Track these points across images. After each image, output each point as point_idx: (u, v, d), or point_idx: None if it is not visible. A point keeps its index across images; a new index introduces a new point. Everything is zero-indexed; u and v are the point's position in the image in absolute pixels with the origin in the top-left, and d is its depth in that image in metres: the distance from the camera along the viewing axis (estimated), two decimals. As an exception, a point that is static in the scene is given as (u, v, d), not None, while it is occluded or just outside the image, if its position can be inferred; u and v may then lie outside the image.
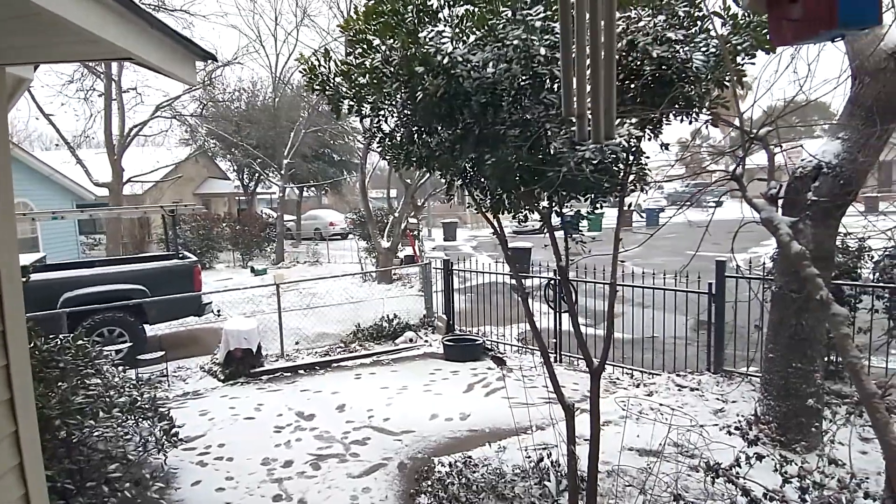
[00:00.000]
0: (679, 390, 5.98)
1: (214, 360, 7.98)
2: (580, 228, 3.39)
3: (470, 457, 4.77)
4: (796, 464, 2.96)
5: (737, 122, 2.37)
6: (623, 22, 2.97)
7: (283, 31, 22.64)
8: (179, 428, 4.74)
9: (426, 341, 9.03)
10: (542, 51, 2.69)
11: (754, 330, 5.69)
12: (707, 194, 3.02)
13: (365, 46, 3.33)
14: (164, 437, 4.56)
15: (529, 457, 4.30)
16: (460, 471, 4.37)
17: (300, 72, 3.87)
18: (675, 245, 13.48)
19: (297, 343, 9.01)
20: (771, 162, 1.90)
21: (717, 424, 4.78)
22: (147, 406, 4.58)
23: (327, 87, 3.89)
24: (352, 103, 3.85)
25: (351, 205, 27.06)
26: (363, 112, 3.91)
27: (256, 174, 25.68)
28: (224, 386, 7.39)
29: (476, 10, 3.03)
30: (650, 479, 3.91)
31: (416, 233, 17.09)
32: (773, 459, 2.92)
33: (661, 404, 5.61)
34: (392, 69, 3.15)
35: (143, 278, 8.72)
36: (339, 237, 27.45)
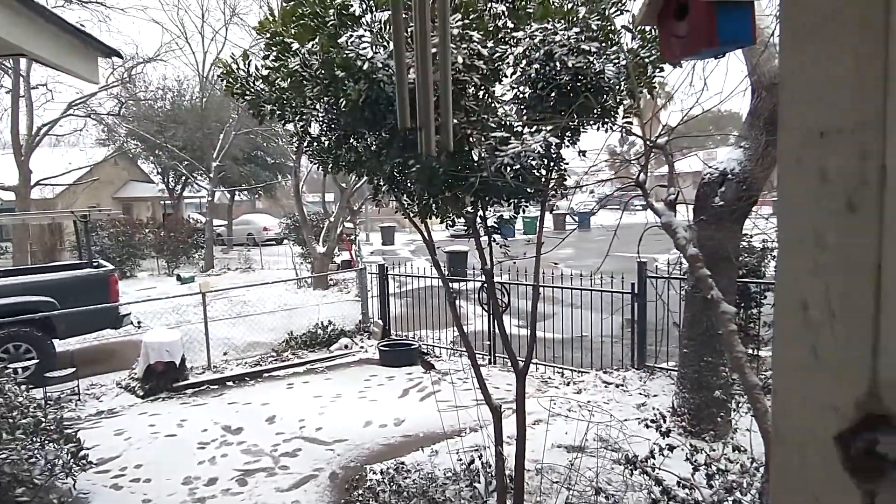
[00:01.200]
0: (605, 387, 6.23)
1: (133, 375, 7.51)
2: (503, 232, 3.46)
3: (403, 463, 4.75)
4: (705, 452, 3.16)
5: (655, 131, 2.51)
6: (540, 33, 3.06)
7: (210, 29, 21.73)
8: (89, 450, 4.43)
9: (362, 347, 8.92)
10: (460, 59, 2.73)
11: (673, 327, 6.02)
12: (621, 199, 3.16)
13: (282, 49, 3.26)
14: (72, 459, 4.24)
15: (461, 459, 4.33)
16: (392, 477, 4.34)
17: (218, 76, 3.74)
18: (604, 247, 14.07)
19: (225, 354, 8.65)
20: (671, 169, 2.02)
21: (638, 418, 5.01)
22: (52, 427, 4.25)
23: (247, 92, 3.77)
24: (274, 108, 3.76)
25: (286, 209, 26.33)
26: (286, 117, 3.82)
27: (183, 177, 24.48)
28: (143, 402, 6.97)
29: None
30: (576, 474, 4.05)
31: (352, 237, 16.87)
32: (683, 449, 3.10)
33: (588, 401, 5.82)
34: (311, 73, 3.10)
35: (51, 289, 8.09)
36: (273, 242, 26.62)
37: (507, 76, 3.57)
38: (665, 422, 3.21)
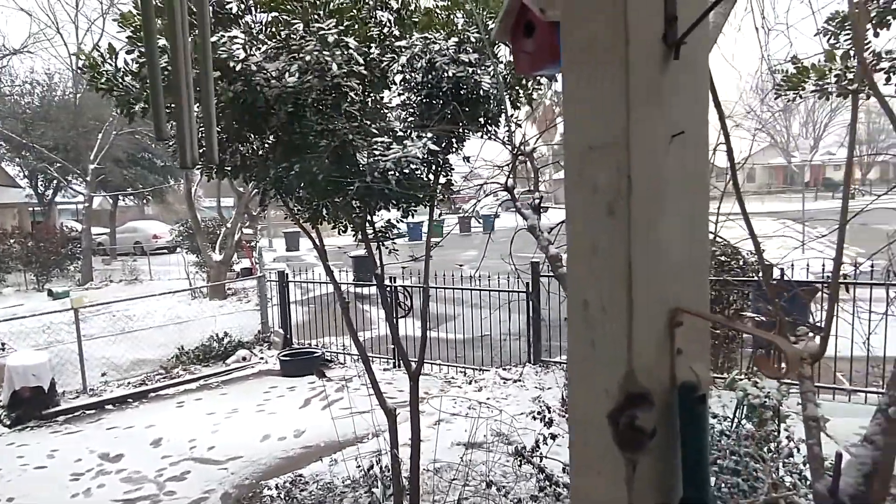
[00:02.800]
0: (504, 383, 6.46)
1: (-6, 403, 6.65)
2: (391, 236, 3.48)
3: (301, 475, 4.62)
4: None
5: (551, 138, 2.65)
6: (421, 42, 3.13)
7: (85, 19, 19.75)
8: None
9: (262, 359, 8.55)
10: (335, 65, 2.72)
11: (565, 323, 6.38)
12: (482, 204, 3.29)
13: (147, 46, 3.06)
14: None
15: (360, 466, 4.30)
16: (288, 491, 4.21)
17: (79, 69, 3.43)
18: (506, 249, 14.59)
19: (104, 375, 7.91)
20: (535, 175, 2.15)
21: (533, 411, 5.26)
22: None
23: (115, 88, 3.50)
24: (145, 106, 3.51)
25: (179, 215, 24.58)
26: (161, 116, 3.59)
27: (55, 181, 22.06)
28: (10, 433, 6.21)
29: (274, 18, 2.97)
30: (473, 470, 4.16)
31: (252, 244, 16.12)
32: (563, 437, 3.31)
33: (487, 398, 6.00)
34: (182, 72, 2.94)
35: None
36: (164, 251, 24.73)
37: (396, 83, 3.61)
38: (549, 412, 3.40)
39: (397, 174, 2.96)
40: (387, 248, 3.51)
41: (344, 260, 13.15)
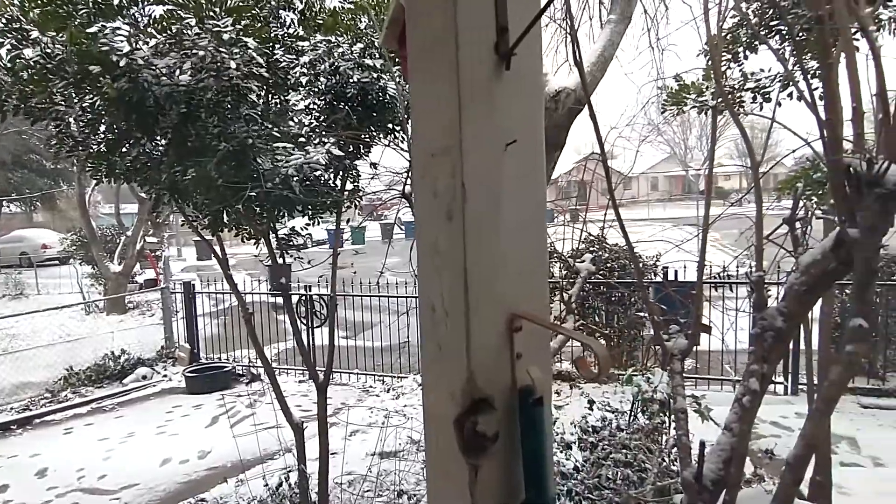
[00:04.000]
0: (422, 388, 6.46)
1: None
2: (296, 244, 3.38)
3: (203, 499, 4.35)
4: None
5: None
6: (324, 45, 3.07)
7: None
8: None
9: (165, 376, 7.99)
10: (233, 64, 2.60)
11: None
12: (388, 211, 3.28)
13: (19, 37, 2.78)
14: None
15: (267, 485, 4.10)
16: (188, 517, 3.94)
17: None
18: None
19: (-22, 401, 7.06)
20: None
21: (449, 417, 5.28)
22: None
23: (-21, 82, 3.14)
24: (18, 103, 3.18)
25: (73, 222, 22.50)
26: (35, 114, 3.27)
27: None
28: None
29: (166, 12, 2.79)
30: (385, 480, 4.10)
31: (157, 253, 15.08)
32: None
33: (405, 405, 5.96)
34: (55, 65, 2.69)
35: None
36: (55, 262, 22.52)
37: (302, 85, 3.51)
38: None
39: (300, 180, 2.88)
40: (291, 255, 3.39)
41: (260, 269, 12.64)
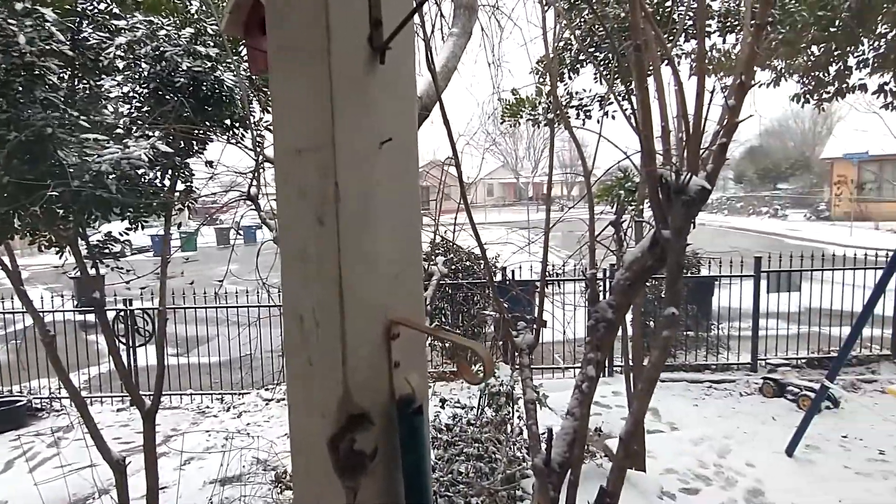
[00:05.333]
0: (266, 404, 6.06)
1: None
2: (113, 252, 2.93)
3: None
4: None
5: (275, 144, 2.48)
6: (145, 26, 2.72)
7: None
8: None
9: (-74, 420, 6.36)
10: (23, 39, 2.17)
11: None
12: (227, 213, 3.06)
13: None
14: None
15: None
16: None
17: None
18: (265, 261, 13.80)
19: None
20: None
21: (298, 430, 5.03)
22: None
23: None
24: None
25: None
26: None
27: None
28: None
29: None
30: (228, 508, 3.76)
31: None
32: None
33: (248, 424, 5.54)
34: None
35: None
36: None
37: (118, 70, 3.06)
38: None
39: (118, 178, 2.50)
40: (108, 265, 2.93)
41: (64, 282, 10.78)
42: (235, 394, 6.69)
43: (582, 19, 3.94)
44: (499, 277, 6.82)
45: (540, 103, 3.94)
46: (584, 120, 4.01)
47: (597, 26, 3.53)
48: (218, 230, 23.51)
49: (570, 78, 4.18)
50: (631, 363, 3.78)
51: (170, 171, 3.03)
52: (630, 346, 3.86)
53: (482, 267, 7.20)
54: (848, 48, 6.78)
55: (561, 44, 4.27)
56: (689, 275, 7.04)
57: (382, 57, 0.65)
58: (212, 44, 2.94)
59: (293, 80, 0.64)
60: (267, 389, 6.48)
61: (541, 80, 4.06)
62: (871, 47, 6.75)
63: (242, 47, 3.08)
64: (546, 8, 1.96)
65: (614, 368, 6.64)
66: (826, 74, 7.08)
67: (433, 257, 2.73)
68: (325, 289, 0.64)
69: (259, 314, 6.77)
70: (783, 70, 7.20)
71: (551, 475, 1.62)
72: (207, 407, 6.55)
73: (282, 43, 0.66)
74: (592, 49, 3.95)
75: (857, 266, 6.85)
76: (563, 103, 4.10)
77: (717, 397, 5.96)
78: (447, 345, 7.23)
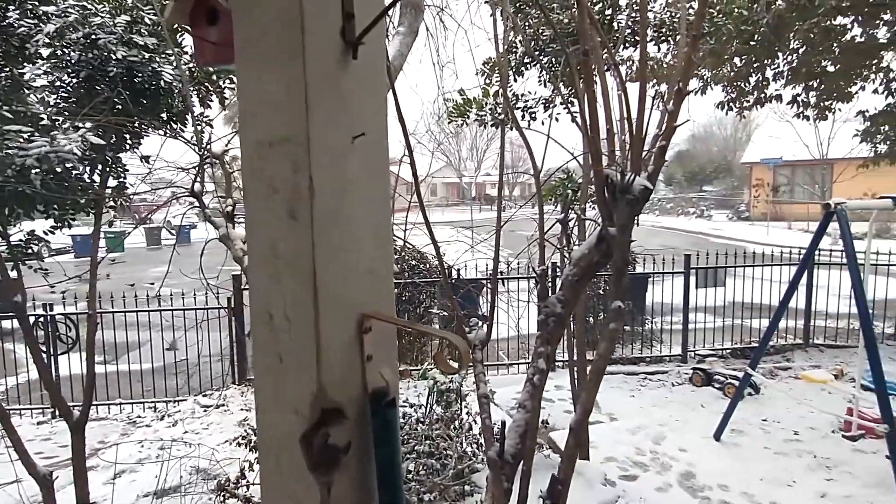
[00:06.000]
0: (205, 411, 5.81)
1: None
2: (36, 253, 2.73)
3: None
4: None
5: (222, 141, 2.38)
6: (76, 11, 2.55)
7: None
8: None
9: None
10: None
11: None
12: (166, 210, 2.94)
13: None
14: None
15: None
16: None
17: None
18: (207, 261, 13.22)
19: None
20: (228, 179, 1.97)
21: (238, 436, 4.86)
22: None
23: None
24: None
25: None
26: None
27: None
28: None
29: None
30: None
31: None
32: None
33: (185, 432, 5.29)
34: None
35: None
36: None
37: (42, 57, 2.85)
38: (254, 435, 3.17)
39: (43, 172, 2.34)
40: (30, 268, 2.72)
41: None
42: (170, 401, 6.37)
43: (527, 24, 4.04)
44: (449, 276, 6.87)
45: (487, 104, 4.01)
46: (529, 122, 4.13)
47: (542, 30, 3.64)
48: (148, 230, 22.28)
49: (515, 80, 4.28)
50: (575, 357, 3.91)
51: (101, 167, 2.85)
52: (574, 341, 4.00)
53: (435, 265, 7.23)
54: (766, 61, 7.33)
55: (507, 46, 4.37)
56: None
57: (355, 52, 0.65)
58: (147, 33, 2.80)
59: (264, 73, 0.63)
60: (205, 396, 6.21)
61: (487, 81, 4.14)
62: (785, 61, 7.33)
63: (183, 38, 2.95)
64: (495, 10, 2.01)
65: (557, 363, 6.85)
66: (747, 84, 7.62)
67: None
68: (297, 285, 0.63)
69: (197, 317, 6.48)
70: (709, 79, 7.68)
71: (505, 467, 1.66)
72: (139, 416, 6.20)
73: (250, 35, 0.65)
74: (538, 52, 4.06)
75: (773, 263, 7.41)
76: (511, 105, 4.20)
77: (651, 388, 6.27)
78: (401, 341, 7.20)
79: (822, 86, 7.55)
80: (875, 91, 7.62)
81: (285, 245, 0.64)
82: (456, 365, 0.68)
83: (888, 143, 7.89)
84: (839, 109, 7.95)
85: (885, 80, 7.47)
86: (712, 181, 38.70)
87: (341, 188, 0.65)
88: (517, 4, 4.09)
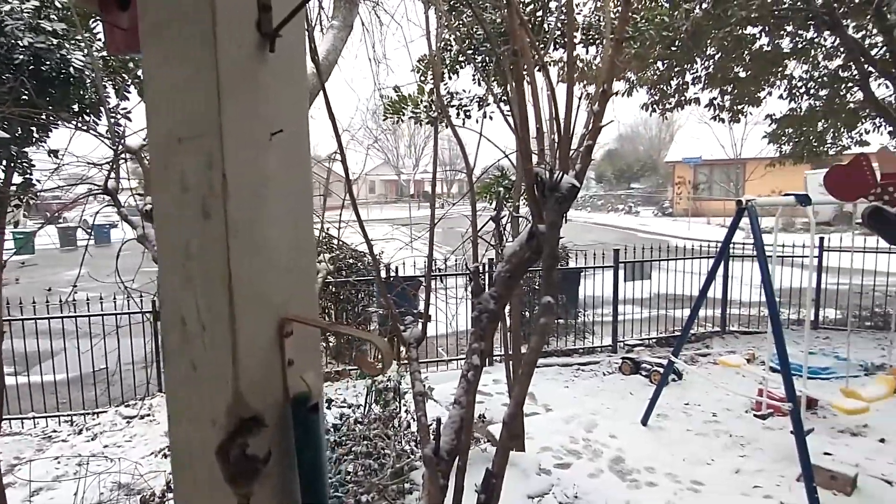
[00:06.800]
0: (128, 423, 5.48)
1: None
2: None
3: None
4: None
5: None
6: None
7: None
8: None
9: None
10: None
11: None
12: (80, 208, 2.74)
13: None
14: None
15: None
16: None
17: None
18: (125, 263, 12.40)
19: None
20: (146, 178, 1.85)
21: (165, 448, 4.61)
22: None
23: None
24: None
25: None
26: None
27: None
28: None
29: None
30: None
31: None
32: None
33: (105, 447, 4.96)
34: None
35: None
36: None
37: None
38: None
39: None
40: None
41: None
42: (89, 414, 5.95)
43: (461, 21, 4.07)
44: (384, 274, 6.83)
45: (422, 101, 4.01)
46: (463, 120, 4.16)
47: (475, 29, 3.67)
48: (61, 230, 20.67)
49: (450, 78, 4.30)
50: (511, 352, 3.99)
51: (5, 162, 2.61)
52: (510, 336, 4.08)
53: (369, 263, 7.16)
54: (686, 66, 7.77)
55: (441, 44, 4.38)
56: (558, 267, 7.60)
57: (272, 44, 0.63)
58: (57, 18, 2.58)
59: (172, 63, 0.60)
60: (128, 406, 5.85)
61: (422, 78, 4.13)
62: (703, 67, 7.80)
63: (95, 24, 2.75)
64: (428, 7, 2.00)
65: (494, 358, 6.97)
66: (668, 88, 8.05)
67: (319, 254, 2.66)
68: (212, 288, 0.60)
69: (117, 322, 6.07)
70: (635, 82, 8.05)
71: (441, 463, 1.67)
72: (54, 431, 5.75)
73: (157, 20, 0.61)
74: (471, 51, 4.09)
75: (693, 256, 7.88)
76: (445, 103, 4.22)
77: (584, 378, 6.52)
78: (331, 344, 7.08)
79: (735, 90, 8.10)
80: (780, 96, 8.27)
81: (198, 245, 0.60)
82: (380, 366, 0.67)
83: (791, 144, 8.58)
84: (750, 113, 8.56)
85: (788, 87, 8.12)
86: (639, 179, 40.68)
87: (258, 185, 0.62)
88: (451, 2, 4.10)
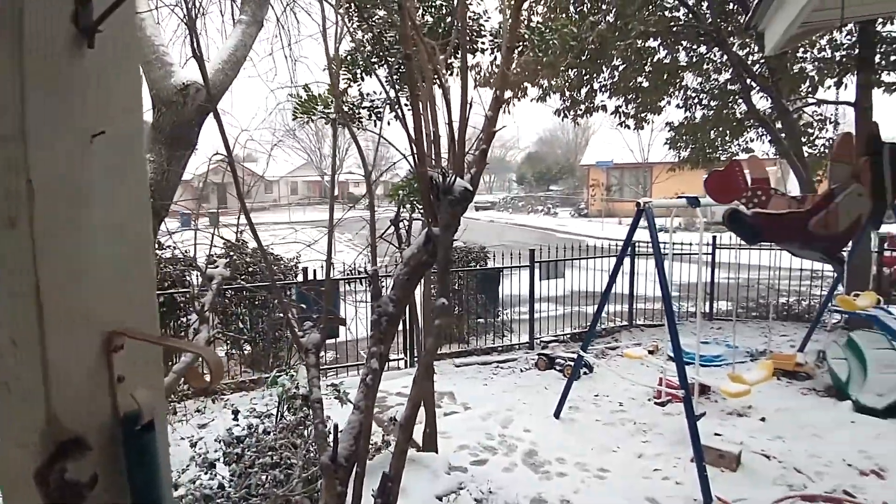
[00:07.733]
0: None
1: None
2: None
3: None
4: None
5: None
6: None
7: None
8: None
9: None
10: None
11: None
12: None
13: None
14: None
15: None
16: None
17: None
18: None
19: None
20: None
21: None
22: None
23: None
24: None
25: None
26: None
27: None
28: None
29: None
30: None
31: None
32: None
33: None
34: None
35: None
36: None
37: None
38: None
39: None
40: None
41: None
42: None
43: (372, 22, 4.04)
44: (301, 278, 6.64)
45: (332, 101, 3.94)
46: (375, 121, 4.13)
47: (385, 31, 3.65)
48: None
49: (362, 79, 4.26)
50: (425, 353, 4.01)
51: None
52: (423, 338, 4.09)
53: (285, 267, 6.94)
54: (594, 75, 8.18)
55: (353, 45, 4.32)
56: (477, 267, 7.76)
57: (91, 40, 0.59)
58: None
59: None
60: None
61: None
62: (609, 76, 8.25)
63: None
64: (323, 6, 1.97)
65: (415, 360, 6.98)
66: (579, 95, 8.45)
67: (214, 259, 2.54)
68: (19, 301, 0.55)
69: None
70: (548, 88, 8.37)
71: (339, 470, 1.65)
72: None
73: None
74: (385, 53, 4.07)
75: (603, 255, 8.32)
76: (356, 104, 4.18)
77: (503, 375, 6.68)
78: (244, 352, 6.80)
79: (639, 99, 8.64)
80: (678, 106, 8.92)
81: (2, 257, 0.55)
82: (208, 379, 0.65)
83: (688, 150, 9.28)
84: (652, 120, 9.17)
85: (684, 97, 8.78)
86: (558, 181, 42.39)
87: (76, 191, 0.58)
88: (364, 4, 4.06)
